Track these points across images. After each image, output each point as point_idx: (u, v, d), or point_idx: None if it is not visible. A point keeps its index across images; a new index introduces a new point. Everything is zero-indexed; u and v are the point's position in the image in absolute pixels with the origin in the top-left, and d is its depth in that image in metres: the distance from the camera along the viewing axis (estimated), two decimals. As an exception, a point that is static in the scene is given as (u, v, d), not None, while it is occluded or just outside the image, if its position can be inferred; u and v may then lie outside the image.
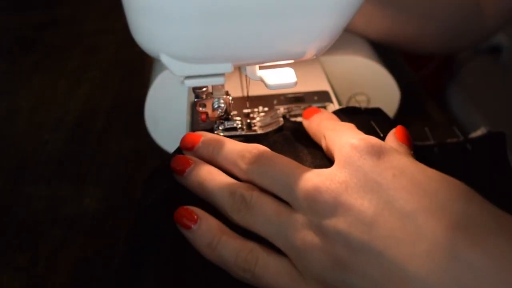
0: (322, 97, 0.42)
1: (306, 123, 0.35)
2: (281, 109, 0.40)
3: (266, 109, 0.40)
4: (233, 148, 0.31)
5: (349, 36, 0.52)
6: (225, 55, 0.28)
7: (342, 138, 0.29)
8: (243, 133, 0.37)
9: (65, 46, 0.85)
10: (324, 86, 0.44)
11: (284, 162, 0.29)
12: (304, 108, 0.40)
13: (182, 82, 0.30)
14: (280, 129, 0.37)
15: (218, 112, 0.36)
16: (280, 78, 0.32)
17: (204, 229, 0.28)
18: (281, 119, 0.37)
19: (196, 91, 0.35)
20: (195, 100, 0.35)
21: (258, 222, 0.28)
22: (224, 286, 0.29)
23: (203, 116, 0.36)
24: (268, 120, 0.38)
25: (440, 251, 0.22)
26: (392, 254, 0.23)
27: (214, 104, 0.35)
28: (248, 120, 0.38)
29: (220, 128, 0.37)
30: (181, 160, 0.31)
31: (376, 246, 0.24)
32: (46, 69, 0.78)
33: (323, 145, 0.32)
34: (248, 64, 0.32)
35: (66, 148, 0.59)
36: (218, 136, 0.33)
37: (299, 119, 0.38)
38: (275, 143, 0.34)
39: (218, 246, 0.28)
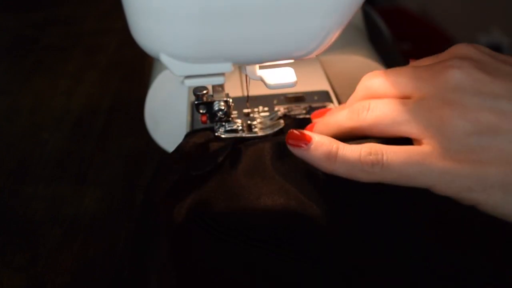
0: (322, 97, 0.42)
1: (324, 119, 0.34)
2: (281, 109, 0.40)
3: (266, 108, 0.40)
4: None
5: (349, 36, 0.52)
6: (225, 55, 0.28)
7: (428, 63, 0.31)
8: (244, 135, 0.36)
9: (65, 46, 0.85)
10: (324, 85, 0.44)
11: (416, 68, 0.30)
12: (305, 108, 0.40)
13: (182, 82, 0.30)
14: (281, 131, 0.37)
15: (219, 115, 0.36)
16: (280, 77, 0.32)
17: (319, 143, 0.29)
18: (282, 121, 0.37)
19: (197, 93, 0.35)
20: (196, 102, 0.35)
21: (381, 118, 0.29)
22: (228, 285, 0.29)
23: (203, 118, 0.36)
24: (269, 122, 0.38)
25: None
26: None
27: (215, 107, 0.35)
28: (249, 122, 0.38)
29: (221, 130, 0.37)
30: (301, 133, 0.31)
31: None
32: (46, 69, 0.78)
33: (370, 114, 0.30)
34: (248, 64, 0.32)
35: (66, 148, 0.59)
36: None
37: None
38: (278, 144, 0.34)
39: (339, 152, 0.28)
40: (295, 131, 0.30)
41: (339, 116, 0.31)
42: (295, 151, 0.30)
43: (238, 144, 0.35)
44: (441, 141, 0.27)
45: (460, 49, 0.30)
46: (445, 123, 0.27)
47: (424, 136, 0.28)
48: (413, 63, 0.33)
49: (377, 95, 0.31)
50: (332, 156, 0.29)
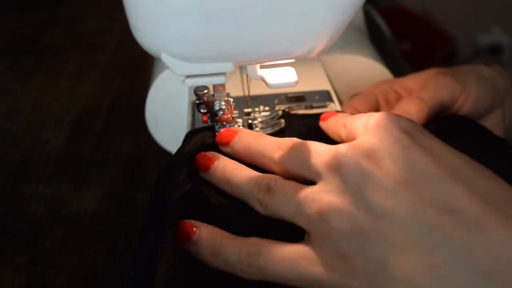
0: (323, 97, 0.42)
1: (323, 124, 0.35)
2: (282, 109, 0.40)
3: (267, 108, 0.40)
4: (269, 141, 0.31)
5: (350, 36, 0.52)
6: (226, 54, 0.28)
7: (365, 116, 0.29)
8: None
9: (65, 46, 0.85)
10: (325, 85, 0.44)
11: (317, 146, 0.29)
12: (306, 108, 0.40)
13: (183, 82, 0.29)
14: (281, 131, 0.37)
15: (220, 114, 0.35)
16: (281, 77, 0.32)
17: (205, 237, 0.28)
18: (282, 120, 0.37)
19: (197, 93, 0.35)
20: (196, 102, 0.35)
21: (279, 204, 0.28)
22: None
23: (205, 118, 0.36)
24: (270, 121, 0.38)
25: (469, 222, 0.22)
26: (416, 219, 0.23)
27: (215, 106, 0.35)
28: (250, 121, 0.38)
29: (222, 130, 0.36)
30: (205, 157, 0.32)
31: (400, 212, 0.24)
32: (46, 69, 0.78)
33: (343, 134, 0.32)
34: (249, 63, 0.32)
35: (66, 148, 0.59)
36: (254, 131, 0.33)
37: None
38: None
39: (221, 249, 0.28)
40: (185, 221, 0.29)
41: (249, 175, 0.30)
42: (182, 244, 0.29)
43: None
44: (319, 242, 0.26)
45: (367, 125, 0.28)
46: (324, 222, 0.26)
47: (309, 231, 0.27)
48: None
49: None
50: (215, 253, 0.28)
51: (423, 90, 0.37)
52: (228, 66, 0.29)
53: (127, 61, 0.79)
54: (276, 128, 0.37)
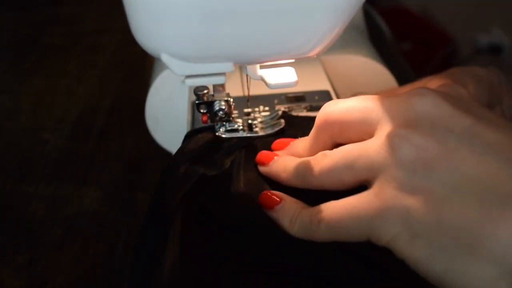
0: (322, 97, 0.42)
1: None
2: (282, 109, 0.40)
3: (267, 108, 0.40)
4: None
5: (350, 36, 0.52)
6: (226, 54, 0.28)
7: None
8: (244, 134, 0.36)
9: (65, 46, 0.85)
10: (324, 85, 0.44)
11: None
12: (305, 108, 0.40)
13: (183, 82, 0.29)
14: (281, 131, 0.37)
15: (220, 114, 0.36)
16: (280, 77, 0.32)
17: (287, 207, 0.30)
18: (282, 120, 0.37)
19: (197, 93, 0.35)
20: (196, 102, 0.35)
21: (337, 159, 0.28)
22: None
23: (204, 118, 0.36)
24: (270, 121, 0.38)
25: None
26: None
27: (215, 106, 0.35)
28: (250, 121, 0.38)
29: (221, 129, 0.37)
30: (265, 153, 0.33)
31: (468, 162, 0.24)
32: (46, 69, 0.78)
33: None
34: (249, 63, 0.32)
35: (66, 148, 0.59)
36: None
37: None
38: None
39: (298, 218, 0.29)
40: (270, 192, 0.31)
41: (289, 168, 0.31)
42: (265, 210, 0.31)
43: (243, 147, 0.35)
44: (381, 183, 0.26)
45: (444, 86, 0.29)
46: (389, 157, 0.25)
47: (371, 176, 0.26)
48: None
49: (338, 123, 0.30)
50: (293, 221, 0.29)
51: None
52: (228, 66, 0.29)
53: (127, 61, 0.79)
54: (276, 129, 0.37)
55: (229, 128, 0.37)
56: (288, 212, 0.30)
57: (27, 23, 0.94)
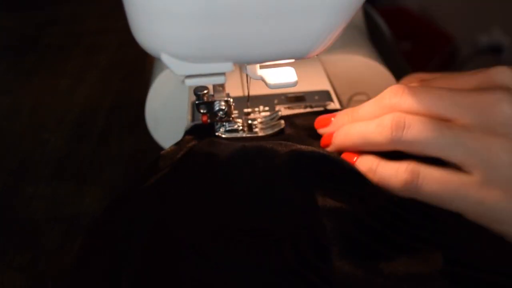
0: (322, 97, 0.42)
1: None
2: (282, 109, 0.40)
3: (267, 108, 0.40)
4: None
5: (349, 36, 0.52)
6: (226, 54, 0.28)
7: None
8: (244, 135, 0.36)
9: (66, 46, 0.85)
10: (324, 85, 0.44)
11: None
12: (305, 108, 0.40)
13: (183, 82, 0.29)
14: (281, 131, 0.37)
15: (219, 114, 0.36)
16: (280, 77, 0.32)
17: (363, 159, 0.31)
18: (282, 121, 0.37)
19: (197, 93, 0.35)
20: (196, 102, 0.35)
21: (423, 138, 0.28)
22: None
23: (204, 118, 0.36)
24: (270, 122, 0.38)
25: None
26: None
27: (215, 107, 0.35)
28: (249, 122, 0.38)
29: (221, 130, 0.37)
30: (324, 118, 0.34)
31: None
32: (46, 69, 0.78)
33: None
34: (249, 63, 0.32)
35: (66, 148, 0.59)
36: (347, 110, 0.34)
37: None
38: (279, 145, 0.34)
39: (378, 168, 0.30)
40: (346, 153, 0.32)
41: (366, 129, 0.31)
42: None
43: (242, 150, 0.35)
44: (483, 172, 0.27)
45: (501, 75, 0.29)
46: (492, 155, 0.27)
47: (467, 164, 0.28)
48: (422, 76, 0.33)
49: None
50: (372, 170, 0.30)
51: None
52: (228, 66, 0.29)
53: (127, 61, 0.79)
54: (276, 129, 0.37)
55: (229, 128, 0.37)
56: (365, 162, 0.31)
57: (27, 23, 0.94)
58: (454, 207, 0.28)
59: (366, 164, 0.31)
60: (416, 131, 0.28)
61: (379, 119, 0.30)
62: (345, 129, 0.32)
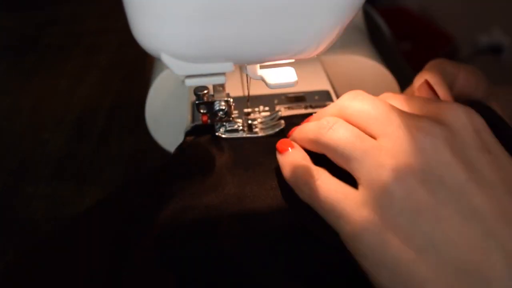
0: (322, 97, 0.42)
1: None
2: (282, 109, 0.40)
3: (267, 108, 0.40)
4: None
5: (350, 36, 0.52)
6: (226, 54, 0.28)
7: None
8: (244, 135, 0.37)
9: (66, 46, 0.85)
10: (324, 85, 0.44)
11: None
12: (306, 107, 0.40)
13: (183, 82, 0.29)
14: (281, 132, 0.37)
15: (220, 114, 0.36)
16: (280, 77, 0.32)
17: (292, 155, 0.31)
18: (282, 121, 0.37)
19: (197, 93, 0.35)
20: (196, 102, 0.35)
21: (335, 144, 0.29)
22: None
23: (204, 118, 0.36)
24: (270, 122, 0.38)
25: None
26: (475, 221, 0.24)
27: (215, 107, 0.35)
28: (249, 122, 0.38)
29: (221, 130, 0.37)
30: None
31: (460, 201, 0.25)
32: (46, 69, 0.78)
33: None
34: (249, 63, 0.32)
35: (66, 148, 0.59)
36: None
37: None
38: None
39: (296, 168, 0.30)
40: (284, 140, 0.33)
41: (308, 127, 0.31)
42: (277, 154, 0.32)
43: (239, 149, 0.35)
44: (368, 195, 0.26)
45: (450, 113, 0.28)
46: (383, 182, 0.26)
47: (361, 182, 0.27)
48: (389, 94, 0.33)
49: (348, 118, 0.30)
50: (292, 171, 0.30)
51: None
52: (228, 66, 0.29)
53: (127, 61, 0.79)
54: (276, 129, 0.37)
55: (229, 128, 0.37)
56: (291, 163, 0.31)
57: (27, 23, 0.94)
58: (332, 221, 0.27)
59: (292, 157, 0.31)
60: (336, 135, 0.29)
61: (320, 120, 0.31)
62: (299, 128, 0.33)
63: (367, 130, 0.29)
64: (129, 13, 0.27)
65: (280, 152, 0.32)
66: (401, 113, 0.28)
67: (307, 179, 0.29)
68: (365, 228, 0.26)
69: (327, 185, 0.28)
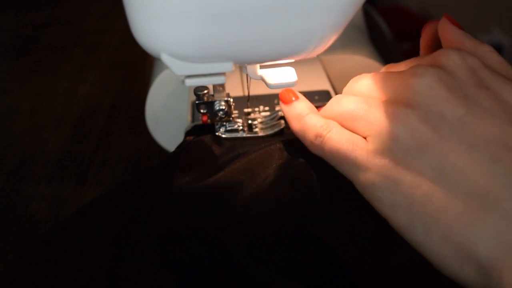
0: (322, 97, 0.42)
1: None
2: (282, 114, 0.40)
3: (267, 108, 0.40)
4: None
5: (349, 35, 0.52)
6: (226, 55, 0.28)
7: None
8: (244, 135, 0.37)
9: (66, 46, 0.85)
10: (324, 85, 0.44)
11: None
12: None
13: (183, 82, 0.29)
14: (281, 131, 0.37)
15: (220, 114, 0.36)
16: (280, 77, 0.32)
17: (302, 102, 0.32)
18: (283, 121, 0.37)
19: (197, 93, 0.35)
20: (196, 102, 0.35)
21: (346, 109, 0.30)
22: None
23: (204, 118, 0.36)
24: (270, 122, 0.38)
25: None
26: (479, 150, 0.25)
27: (215, 107, 0.35)
28: (250, 121, 0.38)
29: (222, 129, 0.37)
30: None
31: (464, 138, 0.25)
32: (46, 69, 0.78)
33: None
34: (249, 63, 0.32)
35: (66, 148, 0.59)
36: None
37: None
38: (279, 144, 0.34)
39: (307, 117, 0.31)
40: (289, 89, 0.33)
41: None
42: (281, 105, 0.33)
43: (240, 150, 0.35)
44: (377, 143, 0.27)
45: (443, 55, 0.29)
46: (388, 127, 0.27)
47: (369, 134, 0.28)
48: (408, 62, 0.33)
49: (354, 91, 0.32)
50: (299, 119, 0.31)
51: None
52: (228, 66, 0.29)
53: (127, 61, 0.79)
54: (276, 129, 0.37)
55: (229, 128, 0.37)
56: (296, 110, 0.32)
57: (27, 23, 0.94)
58: (346, 170, 0.28)
59: (299, 109, 0.32)
60: (344, 105, 0.30)
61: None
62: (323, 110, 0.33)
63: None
64: (129, 13, 0.27)
65: (284, 103, 0.33)
66: (397, 73, 0.29)
67: (318, 132, 0.30)
68: (378, 173, 0.27)
69: (339, 136, 0.29)
